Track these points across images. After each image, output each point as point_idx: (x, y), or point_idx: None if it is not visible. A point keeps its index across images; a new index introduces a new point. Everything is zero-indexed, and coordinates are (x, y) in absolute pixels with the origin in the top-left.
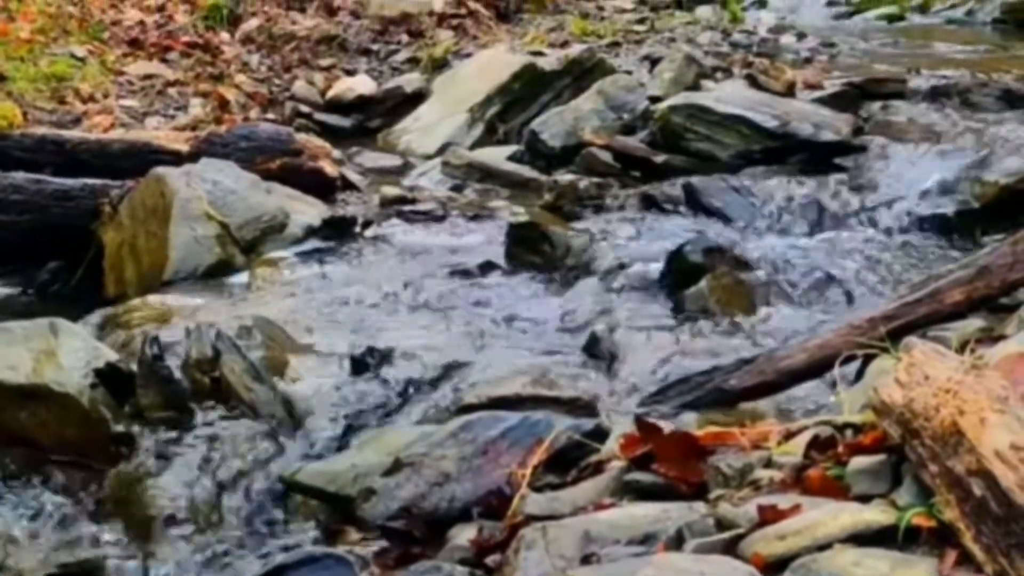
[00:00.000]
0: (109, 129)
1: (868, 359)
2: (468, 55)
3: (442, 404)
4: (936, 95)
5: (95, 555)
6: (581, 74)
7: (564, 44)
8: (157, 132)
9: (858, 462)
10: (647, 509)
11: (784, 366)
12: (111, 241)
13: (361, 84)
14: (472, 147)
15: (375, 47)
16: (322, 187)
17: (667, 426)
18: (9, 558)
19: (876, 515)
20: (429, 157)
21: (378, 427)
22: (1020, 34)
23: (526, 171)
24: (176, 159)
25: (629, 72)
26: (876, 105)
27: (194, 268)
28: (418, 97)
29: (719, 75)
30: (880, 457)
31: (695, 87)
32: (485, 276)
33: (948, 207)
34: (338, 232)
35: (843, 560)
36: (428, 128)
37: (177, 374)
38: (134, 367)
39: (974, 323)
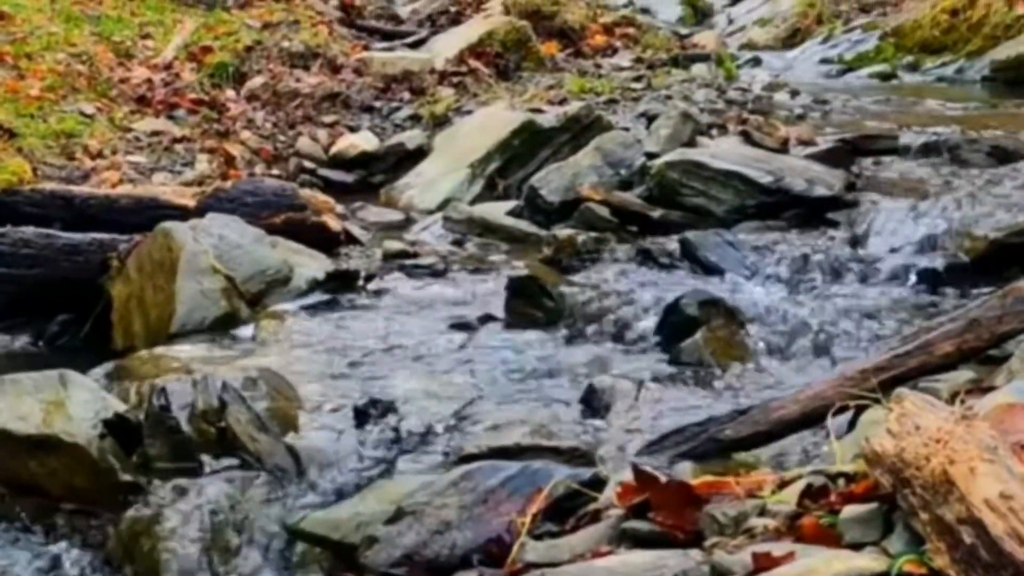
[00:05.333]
0: (117, 184)
1: (860, 410)
2: (469, 112)
3: (443, 454)
4: (927, 151)
5: None
6: (579, 131)
7: (563, 101)
8: (164, 187)
9: (850, 510)
10: (644, 557)
11: (778, 416)
12: (119, 294)
13: (364, 140)
14: (473, 202)
15: (378, 104)
16: (326, 241)
17: (663, 475)
18: None
19: (868, 562)
20: (430, 212)
21: (380, 476)
22: (1009, 91)
23: (525, 226)
24: (183, 214)
25: (626, 129)
26: (868, 161)
27: (201, 321)
28: (420, 153)
29: (714, 132)
30: (872, 505)
31: (691, 143)
32: (485, 329)
33: (938, 261)
34: (341, 285)
35: None
36: (429, 184)
37: (184, 425)
38: (142, 418)
39: (964, 374)
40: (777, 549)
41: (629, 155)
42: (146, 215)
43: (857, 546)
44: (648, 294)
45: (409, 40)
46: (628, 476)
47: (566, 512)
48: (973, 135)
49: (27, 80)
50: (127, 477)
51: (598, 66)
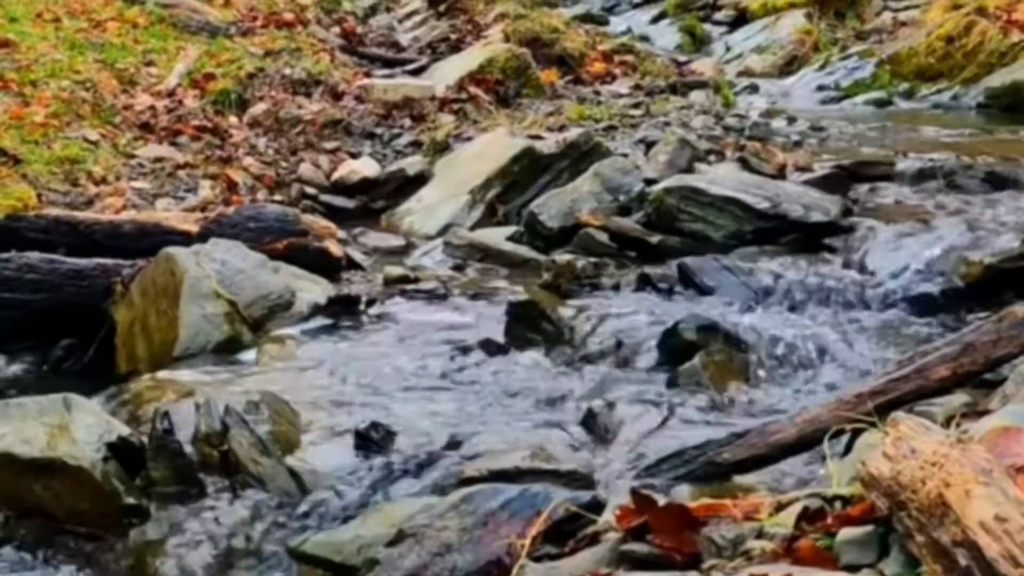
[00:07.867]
0: (121, 210)
1: (856, 433)
2: (469, 138)
3: (444, 477)
4: (922, 177)
5: None
6: (578, 157)
7: (562, 128)
8: (167, 213)
9: (847, 533)
10: None
11: (775, 440)
12: (123, 319)
13: (365, 167)
14: (473, 228)
15: (379, 131)
16: (327, 266)
17: (662, 498)
18: None
19: None
20: (431, 237)
21: (381, 499)
22: (1004, 118)
23: (525, 251)
24: (186, 239)
25: (625, 155)
26: (864, 187)
27: (204, 345)
28: (420, 179)
29: (712, 158)
30: (868, 528)
31: (689, 169)
32: (485, 353)
33: (934, 286)
34: (343, 310)
35: None
36: (430, 209)
37: (187, 448)
38: (145, 441)
39: (959, 398)
40: (774, 571)
41: (628, 181)
42: (149, 240)
43: (853, 568)
44: (646, 319)
45: (410, 67)
46: (626, 499)
47: (565, 534)
48: (968, 161)
49: (32, 107)
50: (131, 500)
51: (597, 93)
